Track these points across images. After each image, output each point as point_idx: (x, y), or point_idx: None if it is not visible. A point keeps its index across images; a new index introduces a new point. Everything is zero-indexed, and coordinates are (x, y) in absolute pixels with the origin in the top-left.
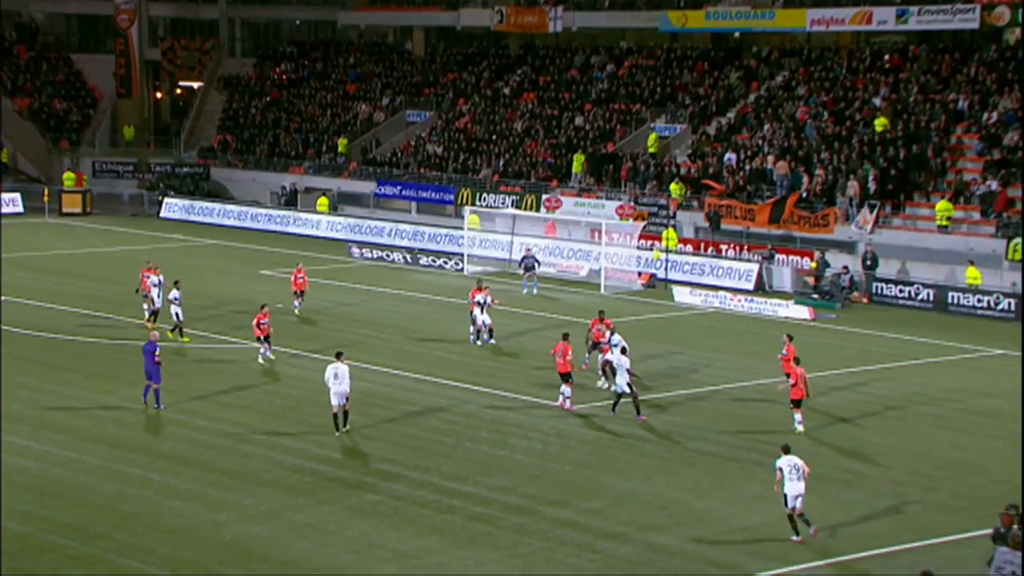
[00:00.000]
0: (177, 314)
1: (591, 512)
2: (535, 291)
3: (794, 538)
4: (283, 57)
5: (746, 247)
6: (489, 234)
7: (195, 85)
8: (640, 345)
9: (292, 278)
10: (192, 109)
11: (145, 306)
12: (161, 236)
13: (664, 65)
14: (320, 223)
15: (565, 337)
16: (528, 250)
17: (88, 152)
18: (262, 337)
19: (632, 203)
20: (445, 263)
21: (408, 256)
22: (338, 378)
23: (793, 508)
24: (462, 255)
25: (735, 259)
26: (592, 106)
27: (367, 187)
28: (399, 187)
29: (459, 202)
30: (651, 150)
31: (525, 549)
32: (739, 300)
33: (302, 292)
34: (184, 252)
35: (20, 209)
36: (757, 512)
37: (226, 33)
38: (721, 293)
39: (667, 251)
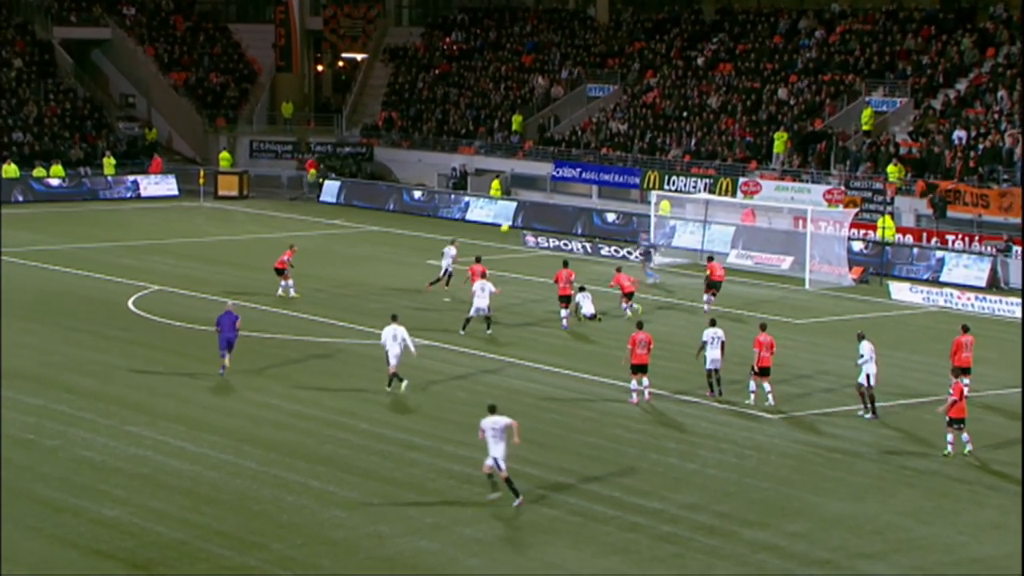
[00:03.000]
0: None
1: (794, 535)
2: (657, 279)
3: None
4: (453, 26)
5: (977, 238)
6: (679, 221)
7: (359, 57)
8: (851, 347)
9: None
10: (355, 83)
11: (283, 284)
12: (322, 222)
13: (882, 30)
14: (493, 206)
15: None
16: (644, 233)
17: (245, 130)
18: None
19: (843, 187)
20: (629, 253)
21: (588, 245)
22: (396, 339)
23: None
24: (650, 244)
25: (964, 251)
26: (798, 78)
27: (543, 169)
28: (579, 169)
29: (645, 186)
30: (865, 127)
31: (720, 574)
32: (968, 298)
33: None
34: (346, 240)
35: (175, 191)
36: (990, 542)
37: (392, 0)
38: (947, 290)
39: (883, 242)
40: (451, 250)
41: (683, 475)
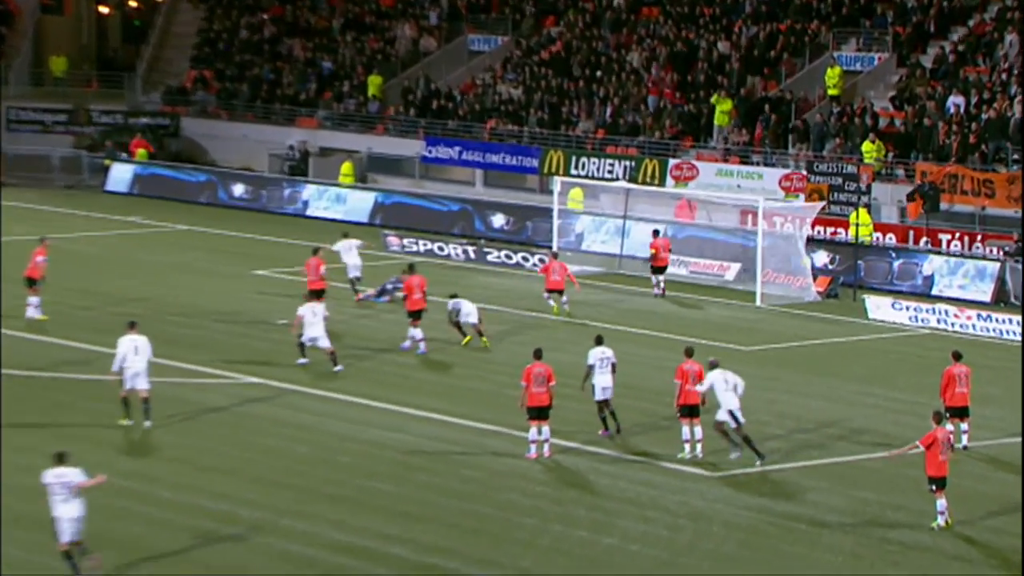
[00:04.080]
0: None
1: None
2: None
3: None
4: None
5: (980, 238)
6: (590, 217)
7: None
8: (813, 384)
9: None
10: (153, 31)
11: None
12: (109, 219)
13: None
14: (343, 199)
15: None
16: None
17: None
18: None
19: (804, 172)
20: (525, 259)
21: (471, 250)
22: (139, 352)
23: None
24: (549, 247)
25: (963, 256)
26: (744, 25)
27: (411, 147)
28: (457, 147)
29: (546, 170)
30: (832, 92)
31: None
32: (968, 317)
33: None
34: (144, 243)
35: None
36: None
37: None
38: (940, 306)
39: (856, 243)
40: (351, 243)
41: (597, 554)
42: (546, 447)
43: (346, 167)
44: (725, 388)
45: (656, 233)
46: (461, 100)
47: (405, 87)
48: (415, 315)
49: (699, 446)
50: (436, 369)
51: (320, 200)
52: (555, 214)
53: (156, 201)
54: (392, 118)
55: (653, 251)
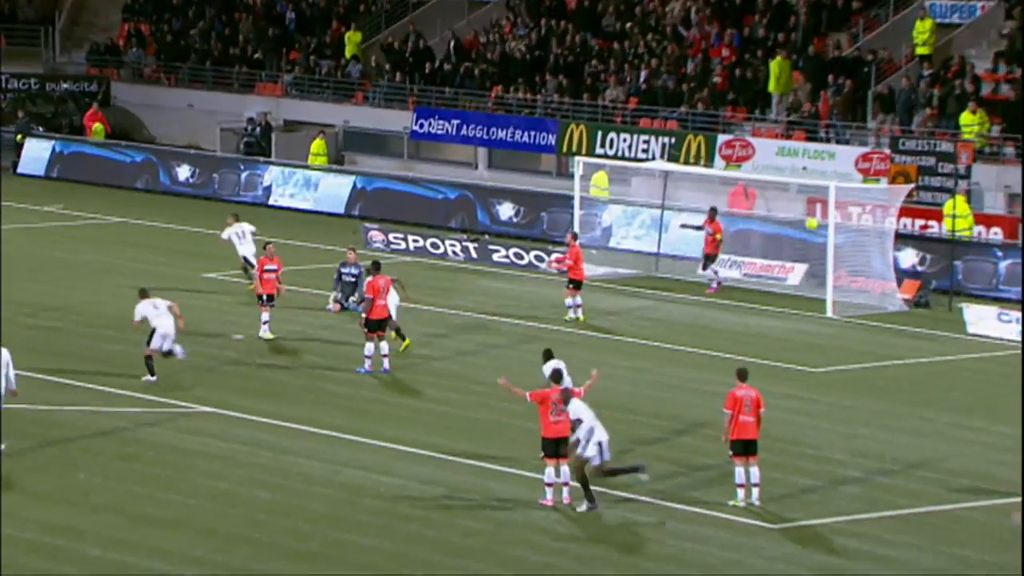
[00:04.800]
0: None
1: None
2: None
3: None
4: None
5: None
6: (620, 207)
7: None
8: (899, 415)
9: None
10: None
11: None
12: (20, 208)
13: None
14: (313, 185)
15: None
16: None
17: None
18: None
19: (886, 150)
20: (539, 259)
21: (472, 248)
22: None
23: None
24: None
25: None
26: None
27: (398, 120)
28: (456, 120)
29: (565, 148)
30: (921, 50)
31: None
32: None
33: None
34: (65, 238)
35: None
36: None
37: None
38: None
39: (952, 240)
40: (244, 228)
41: None
42: (565, 491)
43: (317, 145)
44: (595, 416)
45: (713, 213)
46: (460, 61)
47: (391, 44)
48: (377, 325)
49: (756, 491)
50: (423, 395)
51: (285, 186)
52: (576, 203)
53: (80, 186)
54: (374, 84)
55: (714, 231)
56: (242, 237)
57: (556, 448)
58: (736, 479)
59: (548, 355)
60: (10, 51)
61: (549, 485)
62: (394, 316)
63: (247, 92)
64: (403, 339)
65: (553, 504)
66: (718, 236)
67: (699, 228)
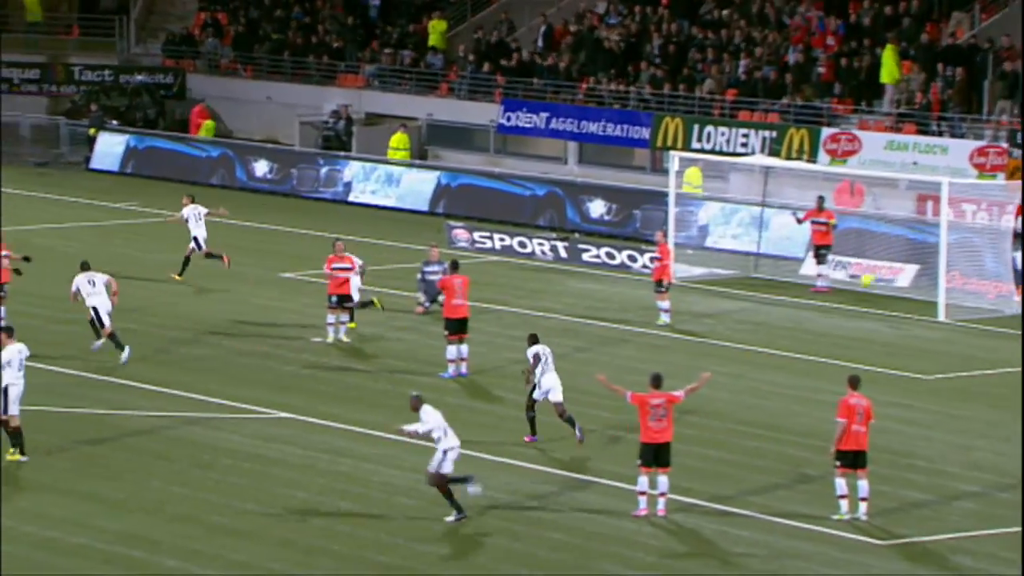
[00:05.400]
0: None
1: None
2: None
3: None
4: None
5: None
6: (718, 205)
7: None
8: (1016, 425)
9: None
10: None
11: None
12: (94, 206)
13: None
14: (395, 181)
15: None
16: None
17: None
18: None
19: (1004, 144)
20: (631, 260)
21: (561, 247)
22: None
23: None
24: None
25: None
26: None
27: (484, 113)
28: (545, 113)
29: (659, 142)
30: None
31: None
32: None
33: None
34: (139, 236)
35: None
36: None
37: None
38: None
39: None
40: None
41: None
42: (660, 502)
43: (397, 139)
44: (445, 422)
45: (821, 201)
46: (549, 51)
47: (477, 36)
48: (457, 327)
49: (863, 505)
50: (512, 401)
51: (366, 182)
52: (671, 199)
53: (155, 182)
54: (461, 75)
55: (826, 220)
56: (198, 218)
57: (654, 455)
58: (838, 491)
59: (533, 339)
60: (85, 42)
61: (642, 494)
62: (356, 298)
63: (327, 84)
64: (351, 320)
65: (646, 515)
66: (832, 222)
67: (800, 221)
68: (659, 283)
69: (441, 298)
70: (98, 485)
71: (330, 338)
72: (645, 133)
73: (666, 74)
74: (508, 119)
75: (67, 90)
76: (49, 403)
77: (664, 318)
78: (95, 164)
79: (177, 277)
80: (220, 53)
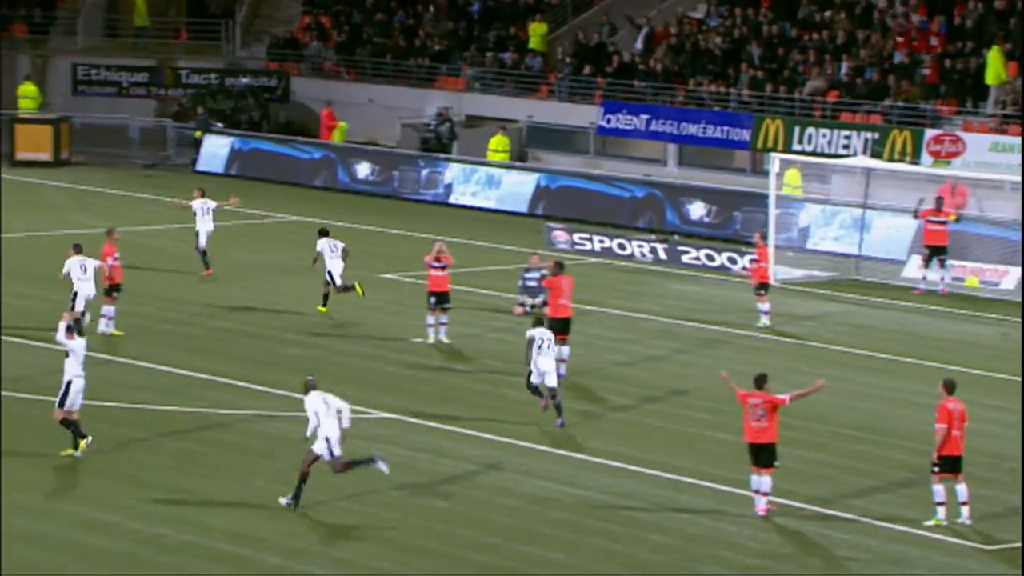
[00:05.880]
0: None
1: None
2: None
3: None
4: None
5: None
6: (819, 207)
7: None
8: None
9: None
10: None
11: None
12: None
13: None
14: (496, 183)
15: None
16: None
17: (65, 47)
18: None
19: None
20: (731, 261)
21: (661, 248)
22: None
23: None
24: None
25: None
26: None
27: (584, 115)
28: (645, 115)
29: (760, 144)
30: None
31: None
32: None
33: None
34: (244, 237)
35: None
36: None
37: None
38: None
39: None
40: (207, 204)
41: None
42: (763, 501)
43: (496, 141)
44: (326, 412)
45: (940, 203)
46: (649, 53)
47: (578, 38)
48: (561, 327)
49: (965, 510)
50: (611, 403)
51: (467, 184)
52: (771, 201)
53: (259, 184)
54: (560, 77)
55: (944, 218)
56: (205, 213)
57: (756, 455)
58: (936, 497)
59: (537, 322)
60: (192, 46)
61: (756, 492)
62: (339, 282)
63: (428, 86)
64: (324, 304)
65: (765, 513)
66: (952, 218)
67: (918, 217)
68: (759, 285)
69: (541, 298)
70: (203, 483)
71: (430, 339)
72: (745, 135)
73: (767, 76)
74: (608, 121)
75: (174, 93)
76: (156, 402)
77: (764, 320)
78: (201, 166)
79: (207, 272)
80: (323, 56)
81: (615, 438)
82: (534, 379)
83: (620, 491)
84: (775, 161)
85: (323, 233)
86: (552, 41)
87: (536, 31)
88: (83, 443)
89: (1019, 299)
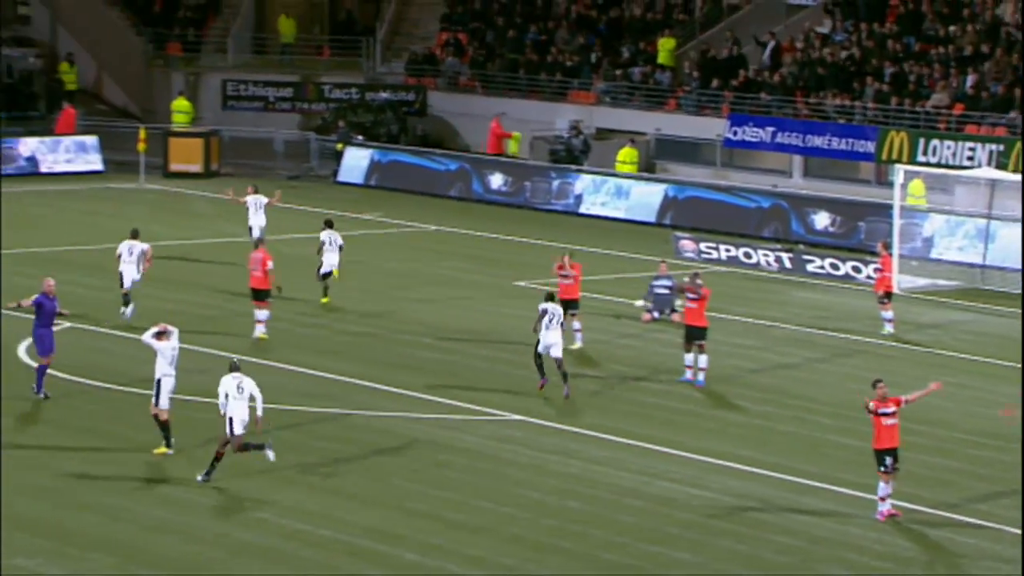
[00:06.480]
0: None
1: None
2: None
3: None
4: None
5: None
6: (943, 217)
7: None
8: None
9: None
10: None
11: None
12: (340, 217)
13: None
14: (624, 193)
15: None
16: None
17: (216, 64)
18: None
19: None
20: (855, 271)
21: (786, 258)
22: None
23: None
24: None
25: None
26: None
27: (711, 127)
28: (771, 127)
29: (885, 156)
30: None
31: None
32: None
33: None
34: (382, 246)
35: (98, 165)
36: None
37: None
38: None
39: None
40: (259, 199)
41: None
42: (885, 506)
43: (624, 153)
44: (236, 396)
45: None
46: (775, 67)
47: (705, 51)
48: (697, 334)
49: None
50: (737, 407)
51: (596, 194)
52: (896, 212)
53: (397, 194)
54: (688, 91)
55: None
56: (257, 208)
57: (882, 459)
58: None
59: (548, 297)
60: (334, 62)
61: (884, 499)
62: (333, 271)
63: (559, 100)
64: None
65: (887, 518)
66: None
67: None
68: (884, 294)
69: (678, 304)
70: (343, 481)
71: (575, 344)
72: (870, 147)
73: (891, 89)
74: (735, 133)
75: (317, 107)
76: (301, 404)
77: (888, 328)
78: (342, 177)
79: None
80: (459, 71)
81: (740, 441)
82: (540, 349)
83: (745, 493)
84: (899, 172)
85: (328, 224)
86: (680, 56)
87: (664, 46)
88: (163, 448)
89: None
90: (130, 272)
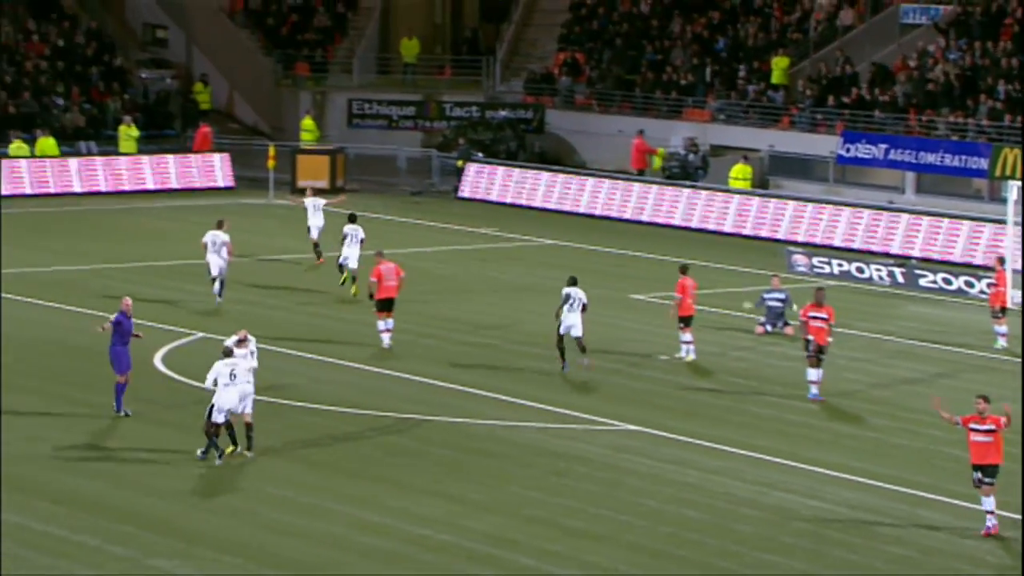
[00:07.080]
0: None
1: None
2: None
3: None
4: None
5: None
6: None
7: None
8: None
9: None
10: (517, 6)
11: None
12: (461, 231)
13: None
14: (722, 208)
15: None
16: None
17: (341, 84)
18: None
19: None
20: (968, 285)
21: (898, 272)
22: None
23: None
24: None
25: None
26: None
27: (824, 144)
28: (884, 144)
29: (998, 172)
30: None
31: None
32: None
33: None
34: (502, 260)
35: (230, 182)
36: None
37: None
38: None
39: None
40: (317, 201)
41: None
42: (990, 520)
43: (738, 169)
44: (228, 384)
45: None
46: (888, 85)
47: (819, 71)
48: (819, 353)
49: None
50: (853, 420)
51: (710, 209)
52: (1009, 227)
53: (515, 209)
54: (801, 108)
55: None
56: (316, 209)
57: (983, 470)
58: None
59: (572, 281)
60: (455, 81)
61: (990, 513)
62: (354, 265)
63: (674, 118)
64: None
65: (990, 534)
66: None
67: None
68: (1000, 308)
69: (793, 308)
70: (462, 488)
71: (688, 357)
72: (983, 163)
73: (1005, 106)
74: (847, 150)
75: (439, 125)
76: (415, 411)
77: (1001, 342)
78: (463, 193)
79: (319, 261)
80: (576, 90)
81: (854, 453)
82: (561, 330)
83: (859, 504)
84: (1013, 188)
85: (351, 219)
86: (793, 75)
87: (778, 65)
88: (229, 449)
89: None
90: (216, 261)
